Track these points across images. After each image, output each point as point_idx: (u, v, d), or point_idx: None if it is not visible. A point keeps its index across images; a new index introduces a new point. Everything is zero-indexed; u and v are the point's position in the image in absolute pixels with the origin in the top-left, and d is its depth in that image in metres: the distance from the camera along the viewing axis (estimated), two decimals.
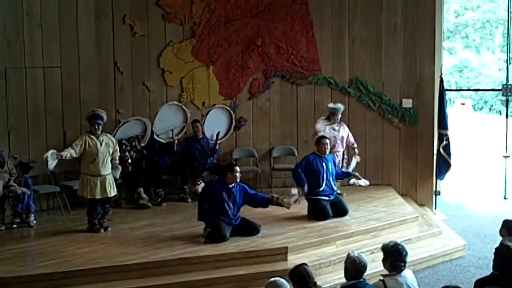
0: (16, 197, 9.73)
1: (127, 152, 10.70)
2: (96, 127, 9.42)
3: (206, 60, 11.93)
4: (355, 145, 11.25)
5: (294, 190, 9.92)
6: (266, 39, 12.02)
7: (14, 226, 9.73)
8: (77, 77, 11.10)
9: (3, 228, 9.58)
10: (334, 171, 10.20)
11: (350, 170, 10.79)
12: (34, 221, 9.87)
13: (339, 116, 11.07)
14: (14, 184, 9.68)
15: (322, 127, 10.93)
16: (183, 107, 11.25)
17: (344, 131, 11.13)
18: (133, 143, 10.89)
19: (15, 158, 10.36)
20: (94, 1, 11.22)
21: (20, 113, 10.63)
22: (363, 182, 10.55)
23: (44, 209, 10.66)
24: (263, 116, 12.21)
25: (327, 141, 10.20)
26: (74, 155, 9.33)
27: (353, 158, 11.06)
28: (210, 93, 12.00)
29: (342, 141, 11.05)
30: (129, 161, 10.65)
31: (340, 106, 11.12)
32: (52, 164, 9.14)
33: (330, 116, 11.05)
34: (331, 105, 11.18)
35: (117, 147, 9.73)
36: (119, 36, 11.48)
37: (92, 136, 9.39)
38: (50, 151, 9.13)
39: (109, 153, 9.49)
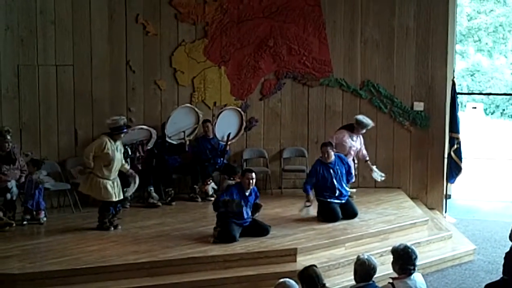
0: (27, 193, 9.77)
1: (128, 159, 10.65)
2: (122, 135, 9.49)
3: (218, 60, 11.95)
4: (367, 158, 11.18)
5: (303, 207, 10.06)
6: (278, 40, 12.02)
7: (25, 223, 9.75)
8: (89, 75, 11.14)
9: (14, 224, 9.59)
10: (344, 171, 10.18)
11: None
12: (45, 218, 9.89)
13: (364, 131, 11.03)
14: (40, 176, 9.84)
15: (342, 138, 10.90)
16: (196, 108, 11.27)
17: (359, 144, 11.09)
18: (138, 148, 10.91)
19: (27, 155, 10.41)
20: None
21: (32, 110, 10.68)
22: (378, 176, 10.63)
23: (54, 206, 10.69)
24: (274, 117, 12.21)
25: (328, 148, 10.07)
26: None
27: (374, 171, 11.09)
28: (222, 93, 12.02)
29: (354, 152, 11.02)
30: (127, 167, 10.56)
31: (371, 123, 11.02)
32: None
33: (356, 128, 10.96)
34: (363, 119, 11.00)
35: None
36: (131, 35, 11.51)
37: (111, 141, 9.38)
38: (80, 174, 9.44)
39: (121, 159, 9.57)
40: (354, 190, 11.03)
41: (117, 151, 9.42)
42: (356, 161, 11.20)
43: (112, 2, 11.31)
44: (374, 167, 11.09)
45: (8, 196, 9.62)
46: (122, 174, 9.75)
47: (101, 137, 9.44)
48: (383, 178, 11.11)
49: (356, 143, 10.99)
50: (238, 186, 9.14)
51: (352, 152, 10.96)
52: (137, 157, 10.88)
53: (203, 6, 11.81)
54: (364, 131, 11.04)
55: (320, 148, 10.23)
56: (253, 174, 9.19)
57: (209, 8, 11.83)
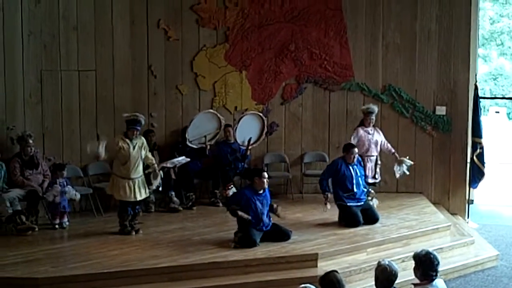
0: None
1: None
2: (135, 132, 9.47)
3: (239, 64, 11.96)
4: (393, 151, 10.94)
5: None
6: (299, 44, 12.01)
7: (57, 227, 9.83)
8: (111, 80, 11.21)
9: (36, 229, 9.67)
10: (362, 172, 10.20)
11: (397, 176, 10.89)
12: (67, 223, 9.97)
13: (373, 118, 10.97)
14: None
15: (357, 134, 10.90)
16: (218, 114, 11.30)
17: (379, 136, 11.03)
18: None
19: (49, 160, 10.49)
20: (129, 5, 11.32)
21: (55, 115, 10.76)
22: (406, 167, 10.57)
23: (76, 210, 10.74)
24: (295, 122, 12.20)
25: (356, 150, 10.13)
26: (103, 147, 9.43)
27: (398, 166, 10.82)
28: (243, 97, 12.03)
29: (376, 145, 10.94)
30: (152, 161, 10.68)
31: (371, 105, 11.06)
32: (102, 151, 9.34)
33: (365, 118, 10.94)
34: (364, 106, 11.13)
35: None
36: (153, 40, 11.56)
37: (126, 139, 9.45)
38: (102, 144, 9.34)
39: (141, 156, 9.52)
40: (376, 201, 10.94)
41: (133, 149, 9.43)
42: (379, 163, 11.05)
43: (133, 7, 11.37)
44: (405, 158, 10.81)
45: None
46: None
47: (116, 136, 9.57)
48: (407, 172, 10.88)
49: (373, 136, 10.89)
50: (251, 188, 9.13)
51: (373, 146, 10.86)
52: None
53: (224, 11, 11.83)
54: (372, 118, 10.88)
55: (348, 149, 10.10)
56: (266, 174, 9.26)
57: (230, 13, 11.85)
